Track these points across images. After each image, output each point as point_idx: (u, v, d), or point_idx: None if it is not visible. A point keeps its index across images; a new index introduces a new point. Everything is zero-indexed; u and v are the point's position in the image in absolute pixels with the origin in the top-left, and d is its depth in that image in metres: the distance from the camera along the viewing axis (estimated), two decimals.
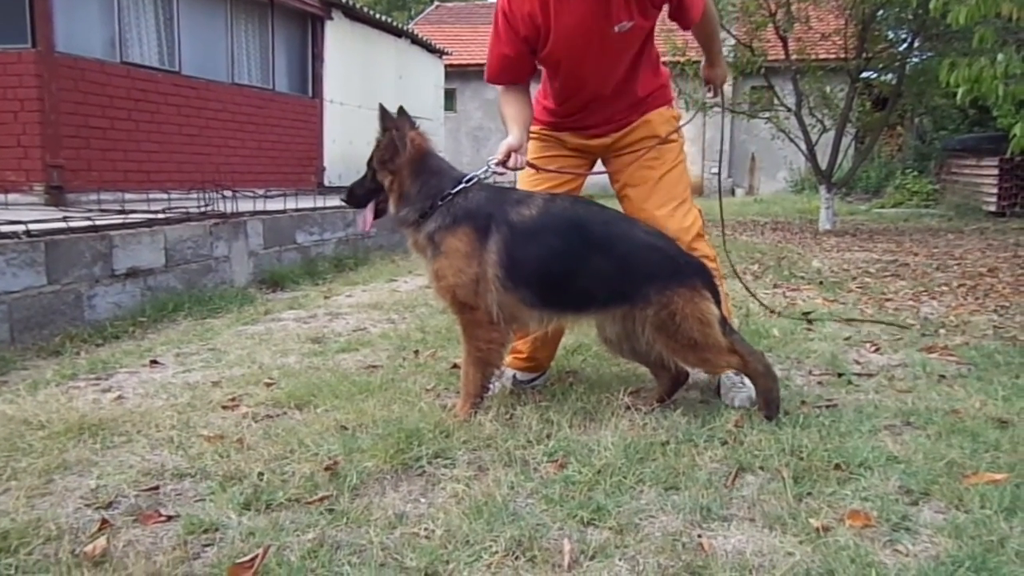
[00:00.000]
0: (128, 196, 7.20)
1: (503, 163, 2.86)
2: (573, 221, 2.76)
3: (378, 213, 2.92)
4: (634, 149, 3.09)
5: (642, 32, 2.91)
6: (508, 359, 3.21)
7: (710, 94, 3.44)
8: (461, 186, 2.76)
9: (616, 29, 2.80)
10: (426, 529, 1.94)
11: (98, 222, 5.00)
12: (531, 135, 3.14)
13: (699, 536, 1.92)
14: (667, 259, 2.74)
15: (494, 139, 21.21)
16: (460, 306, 2.75)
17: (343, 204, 3.01)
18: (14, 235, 4.26)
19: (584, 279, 2.72)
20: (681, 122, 3.23)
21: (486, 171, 2.85)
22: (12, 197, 6.96)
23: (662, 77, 3.19)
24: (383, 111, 2.81)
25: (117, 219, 5.33)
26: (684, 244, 2.96)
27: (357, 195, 2.95)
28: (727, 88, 3.58)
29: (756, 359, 2.76)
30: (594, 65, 2.91)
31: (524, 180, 3.14)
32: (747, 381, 2.91)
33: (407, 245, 2.94)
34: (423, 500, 2.15)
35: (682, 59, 10.54)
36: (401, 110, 2.84)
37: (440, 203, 2.74)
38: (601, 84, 2.98)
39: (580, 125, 3.11)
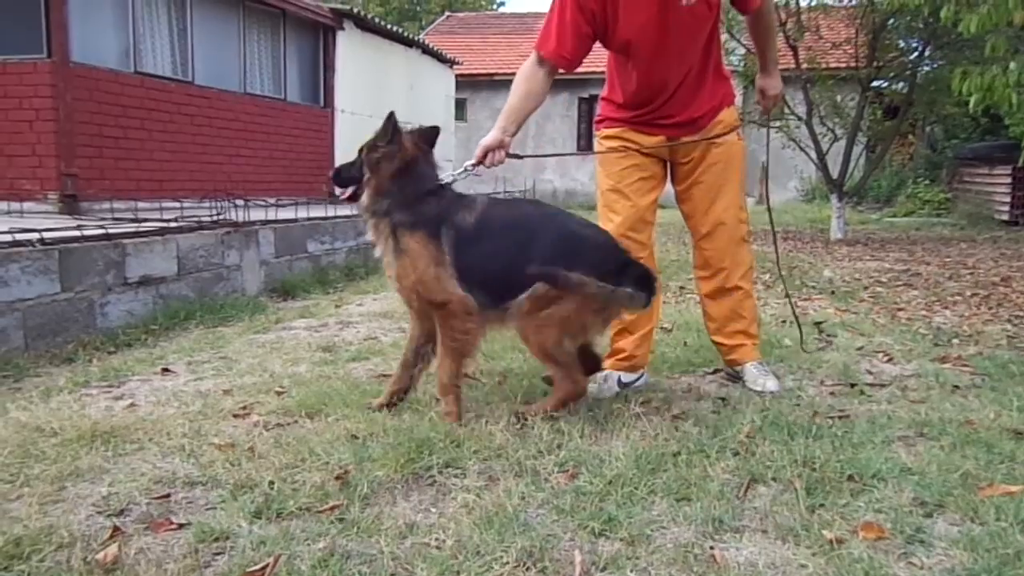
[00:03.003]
0: (141, 205, 7.25)
1: (480, 162, 3.00)
2: (507, 222, 2.91)
3: (354, 197, 3.04)
4: (700, 152, 3.18)
5: (711, 14, 2.98)
6: (609, 362, 3.29)
7: (762, 108, 3.43)
8: (429, 189, 2.89)
9: (684, 2, 2.88)
10: (436, 539, 1.94)
11: (111, 230, 5.03)
12: (604, 140, 3.29)
13: (711, 548, 1.91)
14: (598, 255, 2.78)
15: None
16: (428, 303, 2.85)
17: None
18: (28, 243, 4.30)
19: (519, 275, 2.77)
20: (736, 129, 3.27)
21: (463, 173, 2.99)
22: (27, 205, 7.03)
23: (726, 78, 3.28)
24: (392, 120, 2.89)
25: (130, 227, 5.37)
26: (738, 244, 3.24)
27: (343, 177, 3.08)
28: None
29: (574, 374, 2.84)
30: (668, 45, 2.96)
31: (609, 198, 3.24)
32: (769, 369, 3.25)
33: (366, 229, 3.05)
34: (433, 510, 2.14)
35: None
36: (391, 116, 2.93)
37: (411, 204, 2.86)
38: (676, 67, 3.03)
39: (655, 117, 3.15)
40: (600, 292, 2.71)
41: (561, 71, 3.07)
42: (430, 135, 3.00)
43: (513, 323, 2.85)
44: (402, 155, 2.91)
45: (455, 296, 2.79)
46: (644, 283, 2.79)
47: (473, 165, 3.02)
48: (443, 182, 2.94)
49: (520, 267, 2.77)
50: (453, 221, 2.84)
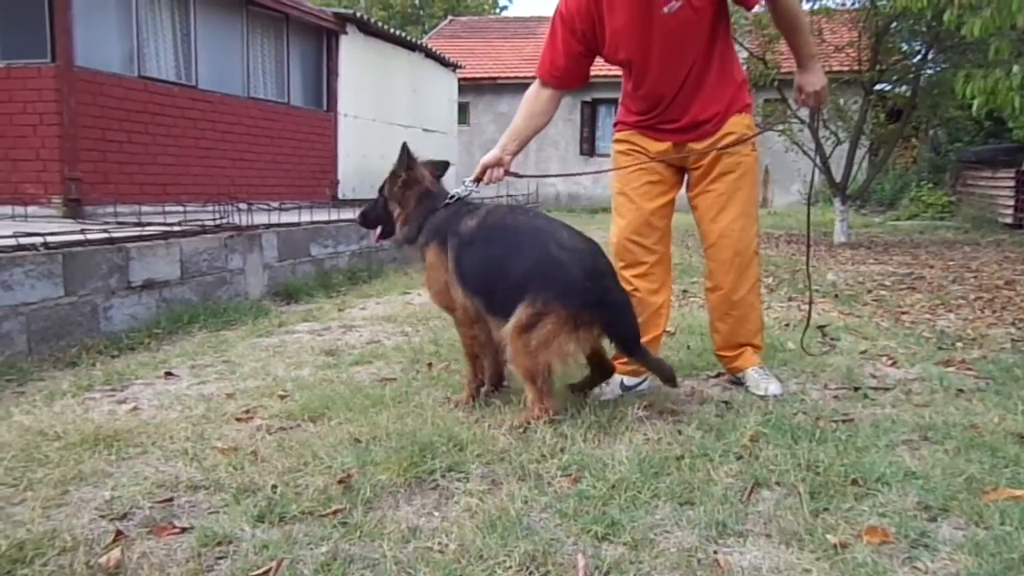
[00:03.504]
0: (144, 208, 7.27)
1: (479, 179, 3.15)
2: (500, 229, 2.98)
3: (384, 235, 3.29)
4: (712, 160, 3.17)
5: (699, 17, 2.94)
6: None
7: (800, 106, 3.29)
8: (444, 203, 3.08)
9: (665, 10, 2.87)
10: (440, 543, 1.93)
11: (115, 234, 5.04)
12: (616, 143, 3.32)
13: (715, 552, 1.90)
14: (572, 276, 2.80)
15: None
16: (444, 308, 3.16)
17: (356, 218, 3.44)
18: (32, 247, 4.31)
19: (505, 285, 2.84)
20: (752, 133, 3.23)
21: (465, 190, 3.12)
22: (31, 210, 7.04)
23: (738, 77, 3.22)
24: (406, 149, 3.12)
25: (133, 231, 5.38)
26: (745, 258, 3.19)
27: (368, 218, 3.32)
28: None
29: (546, 400, 2.83)
30: (657, 53, 2.97)
31: (618, 201, 3.26)
32: (771, 373, 3.28)
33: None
34: (436, 514, 2.14)
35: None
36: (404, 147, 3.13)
37: (428, 220, 3.08)
38: (670, 74, 3.03)
39: (659, 121, 3.16)
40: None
41: (562, 89, 3.19)
42: (441, 168, 3.27)
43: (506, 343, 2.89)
44: (421, 183, 3.12)
45: (457, 304, 3.02)
46: (623, 316, 2.86)
47: (474, 181, 3.16)
48: (453, 195, 3.11)
49: (503, 278, 2.86)
50: (456, 229, 2.99)
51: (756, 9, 3.16)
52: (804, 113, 11.28)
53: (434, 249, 3.05)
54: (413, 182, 3.11)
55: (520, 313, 2.78)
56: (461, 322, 3.09)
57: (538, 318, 2.75)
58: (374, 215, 3.28)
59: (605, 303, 2.82)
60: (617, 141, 3.32)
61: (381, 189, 3.23)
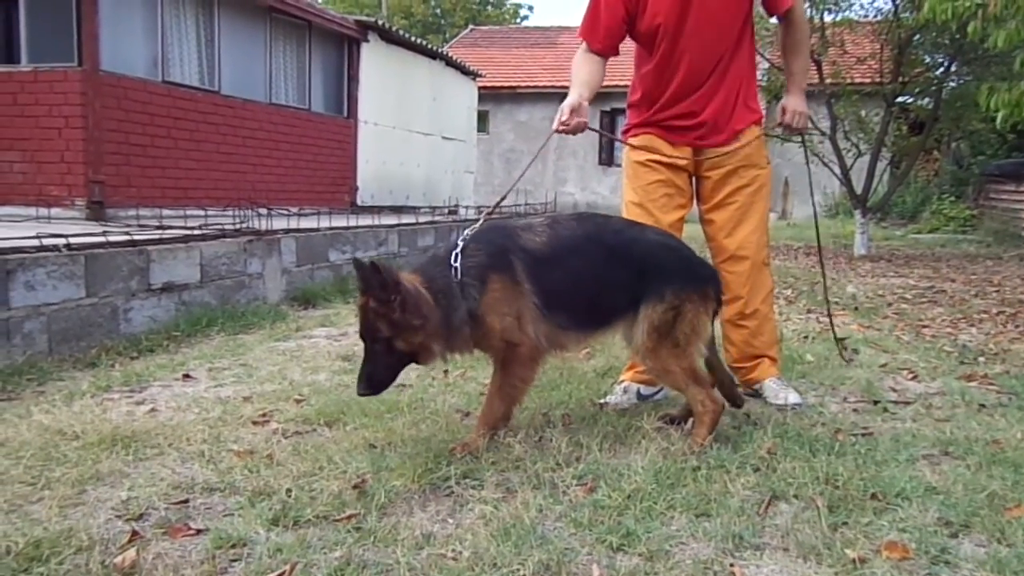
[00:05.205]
0: (166, 212, 7.32)
1: (564, 124, 2.90)
2: (586, 236, 2.74)
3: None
4: (726, 173, 3.18)
5: (739, 4, 3.02)
6: (630, 375, 3.30)
7: (778, 124, 3.29)
8: (457, 252, 2.59)
9: None
10: (453, 550, 1.93)
11: (136, 237, 5.09)
12: (632, 151, 3.25)
13: (731, 565, 1.88)
14: (683, 260, 2.76)
15: (526, 161, 21.30)
16: (507, 344, 2.64)
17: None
18: (55, 248, 4.35)
19: (610, 290, 2.71)
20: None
21: (543, 146, 2.96)
22: (54, 211, 7.13)
23: (754, 85, 3.29)
24: (379, 268, 2.42)
25: (155, 234, 5.43)
26: (758, 268, 3.21)
27: (379, 377, 2.56)
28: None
29: (711, 392, 2.74)
30: (690, 28, 3.00)
31: (633, 213, 3.19)
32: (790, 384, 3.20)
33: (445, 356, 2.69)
34: (451, 521, 2.13)
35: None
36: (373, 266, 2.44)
37: (466, 274, 2.57)
38: (697, 54, 3.04)
39: (677, 113, 3.14)
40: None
41: (605, 56, 3.14)
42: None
43: (641, 361, 2.81)
44: (413, 283, 2.52)
45: (527, 340, 2.63)
46: (720, 288, 2.82)
47: (562, 124, 2.89)
48: (462, 243, 2.63)
49: (608, 284, 2.70)
50: (519, 247, 2.63)
51: (775, 20, 3.17)
52: (825, 125, 11.24)
53: (499, 280, 2.57)
54: (407, 293, 2.45)
55: (650, 315, 2.62)
56: (521, 359, 2.65)
57: (676, 311, 2.62)
58: (388, 367, 2.55)
59: (715, 277, 2.82)
60: (633, 148, 3.24)
61: (369, 334, 2.51)
